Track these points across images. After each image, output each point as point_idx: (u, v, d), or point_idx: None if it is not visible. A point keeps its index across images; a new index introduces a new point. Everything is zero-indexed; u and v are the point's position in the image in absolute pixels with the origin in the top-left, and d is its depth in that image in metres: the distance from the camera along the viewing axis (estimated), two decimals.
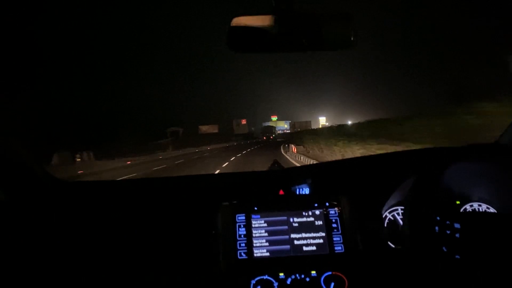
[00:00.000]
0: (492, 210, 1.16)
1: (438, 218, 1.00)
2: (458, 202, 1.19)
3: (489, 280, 0.87)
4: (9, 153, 1.05)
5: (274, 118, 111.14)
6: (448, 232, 0.96)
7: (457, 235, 0.94)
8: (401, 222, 1.18)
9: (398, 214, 1.20)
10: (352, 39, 0.94)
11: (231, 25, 0.93)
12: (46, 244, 1.09)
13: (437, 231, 1.00)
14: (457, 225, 0.95)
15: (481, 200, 1.18)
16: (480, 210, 1.18)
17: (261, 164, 11.94)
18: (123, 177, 9.25)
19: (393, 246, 1.10)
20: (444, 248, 0.96)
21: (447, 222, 0.97)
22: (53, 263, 1.07)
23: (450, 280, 0.94)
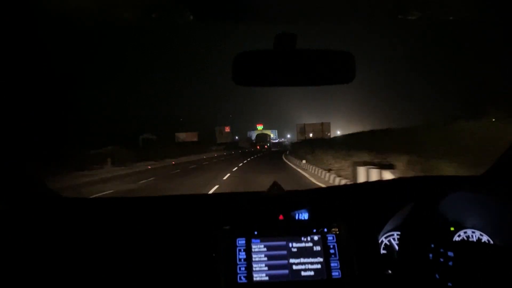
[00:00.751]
0: (485, 237, 1.22)
1: (432, 245, 1.05)
2: (452, 229, 1.24)
3: None
4: (12, 164, 1.08)
5: (260, 127, 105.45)
6: (441, 260, 1.01)
7: (450, 263, 0.98)
8: (396, 247, 1.23)
9: (394, 239, 1.25)
10: (351, 75, 1.00)
11: (235, 60, 0.98)
12: (41, 256, 1.10)
13: (430, 258, 1.04)
14: (450, 254, 0.99)
15: (474, 227, 1.24)
16: (474, 236, 1.23)
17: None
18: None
19: (389, 271, 1.15)
20: (436, 275, 1.01)
21: (441, 250, 1.02)
22: (46, 275, 1.08)
23: None
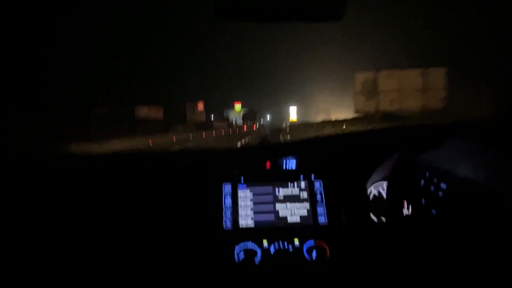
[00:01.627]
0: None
1: (427, 174, 1.06)
2: None
3: (458, 243, 0.92)
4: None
5: (238, 105, 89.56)
6: (432, 189, 1.02)
7: (440, 193, 1.00)
8: (385, 196, 1.26)
9: (383, 189, 1.26)
10: (342, 9, 0.96)
11: None
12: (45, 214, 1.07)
13: (422, 185, 1.05)
14: (443, 185, 1.00)
15: (466, 177, 1.29)
16: (469, 179, 1.27)
17: None
18: None
19: (375, 219, 1.16)
20: (423, 200, 1.02)
21: (435, 180, 1.03)
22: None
23: (424, 240, 0.99)
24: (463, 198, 0.97)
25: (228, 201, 1.11)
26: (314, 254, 1.03)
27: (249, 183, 1.14)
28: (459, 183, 1.03)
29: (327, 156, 1.24)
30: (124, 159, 1.39)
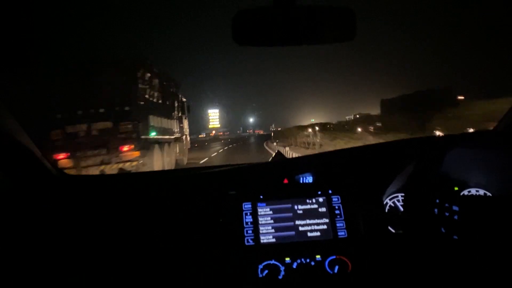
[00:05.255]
0: (489, 195, 1.23)
1: (437, 200, 1.07)
2: (456, 188, 1.25)
3: (485, 259, 0.93)
4: (19, 142, 1.08)
5: None
6: (446, 214, 1.03)
7: (456, 217, 1.00)
8: (401, 208, 1.26)
9: (398, 200, 1.28)
10: (352, 32, 1.00)
11: (236, 18, 0.98)
12: (46, 235, 1.11)
13: (436, 213, 1.07)
14: (455, 208, 1.01)
15: (478, 185, 1.25)
16: (478, 195, 1.25)
17: None
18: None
19: (393, 231, 1.17)
20: (442, 229, 1.04)
21: (446, 204, 1.04)
22: (52, 256, 1.09)
23: (448, 261, 1.01)
24: (478, 216, 0.97)
25: (248, 219, 1.15)
26: (336, 268, 1.06)
27: (268, 201, 1.18)
28: (470, 201, 1.04)
29: (343, 170, 1.26)
30: (142, 179, 1.44)
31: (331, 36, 1.02)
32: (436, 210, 1.07)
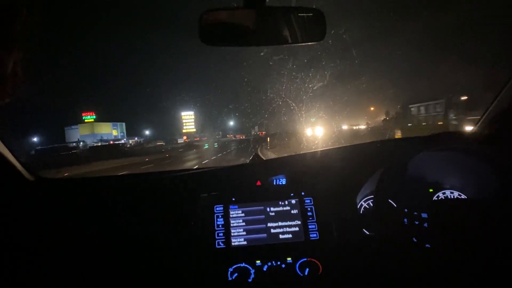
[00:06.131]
0: (463, 197, 1.24)
1: (406, 210, 1.08)
2: (431, 190, 1.26)
3: (458, 263, 0.94)
4: None
5: (88, 117, 65.83)
6: (416, 223, 1.04)
7: (426, 224, 1.01)
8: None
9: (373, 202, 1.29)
10: (322, 33, 1.00)
11: (203, 18, 0.96)
12: (26, 240, 1.10)
13: (406, 223, 1.07)
14: (424, 215, 1.02)
15: (453, 187, 1.26)
16: (452, 196, 1.25)
17: None
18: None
19: (367, 233, 1.18)
20: (414, 239, 1.03)
21: (415, 213, 1.05)
22: (24, 258, 1.07)
23: (421, 267, 1.00)
24: (447, 222, 0.98)
25: (220, 221, 1.14)
26: (306, 270, 1.05)
27: (241, 203, 1.17)
28: (438, 207, 1.05)
29: (316, 172, 1.26)
30: (116, 181, 1.42)
31: (301, 37, 1.03)
32: (405, 220, 1.07)
